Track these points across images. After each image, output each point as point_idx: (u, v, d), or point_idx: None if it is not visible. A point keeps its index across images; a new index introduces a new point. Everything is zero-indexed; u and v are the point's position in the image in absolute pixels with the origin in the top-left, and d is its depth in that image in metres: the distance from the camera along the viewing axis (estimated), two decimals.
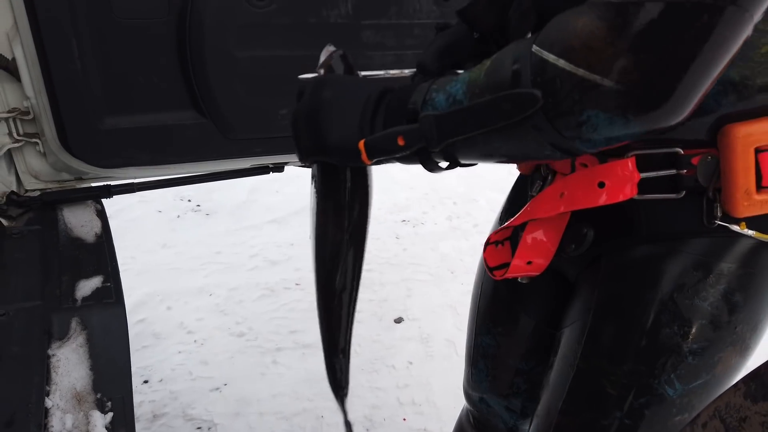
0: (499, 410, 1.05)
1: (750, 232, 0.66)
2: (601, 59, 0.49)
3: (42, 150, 1.32)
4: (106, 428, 0.82)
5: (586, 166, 0.72)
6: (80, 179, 1.41)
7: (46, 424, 0.79)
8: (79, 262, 1.13)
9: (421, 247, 2.92)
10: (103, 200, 1.39)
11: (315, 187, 0.76)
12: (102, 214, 1.31)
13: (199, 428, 1.85)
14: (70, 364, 0.89)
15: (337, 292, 0.77)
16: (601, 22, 0.49)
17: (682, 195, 0.68)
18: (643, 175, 0.67)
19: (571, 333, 0.79)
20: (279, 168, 1.59)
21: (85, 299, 1.02)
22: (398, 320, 2.40)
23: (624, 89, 0.49)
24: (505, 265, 0.83)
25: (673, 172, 0.67)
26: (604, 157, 0.69)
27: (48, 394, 0.83)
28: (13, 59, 1.22)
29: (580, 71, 0.49)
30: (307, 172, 0.84)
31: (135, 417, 0.87)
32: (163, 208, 3.16)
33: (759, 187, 0.63)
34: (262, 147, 1.46)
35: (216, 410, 1.92)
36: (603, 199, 0.68)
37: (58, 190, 1.35)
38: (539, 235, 0.79)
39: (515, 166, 0.91)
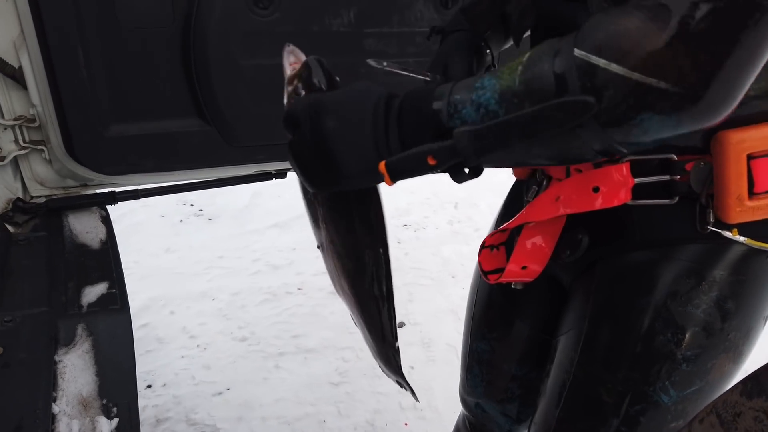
0: (494, 415, 1.06)
1: (742, 239, 0.66)
2: (658, 62, 0.48)
3: (47, 157, 1.34)
4: None
5: (580, 171, 0.72)
6: (85, 186, 1.42)
7: (53, 430, 0.80)
8: (85, 268, 1.14)
9: (422, 251, 2.93)
10: (107, 206, 1.40)
11: (317, 203, 0.73)
12: (107, 221, 1.33)
13: None
14: (76, 370, 0.90)
15: (375, 297, 0.77)
16: (655, 24, 0.48)
17: (675, 201, 0.68)
18: (638, 180, 0.68)
19: (567, 341, 0.80)
20: (282, 174, 1.60)
21: (90, 305, 1.03)
22: (400, 325, 2.41)
23: (681, 91, 0.48)
24: (500, 270, 0.83)
25: (666, 177, 0.67)
26: (598, 162, 0.70)
27: (55, 400, 0.84)
28: (20, 67, 1.24)
29: (635, 75, 0.49)
30: None
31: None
32: (166, 212, 3.17)
33: (751, 193, 0.64)
34: (265, 154, 1.47)
35: (219, 415, 1.92)
36: (599, 203, 0.68)
37: (63, 197, 1.36)
38: (535, 240, 0.80)
39: (511, 171, 0.92)
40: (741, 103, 0.63)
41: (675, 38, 0.47)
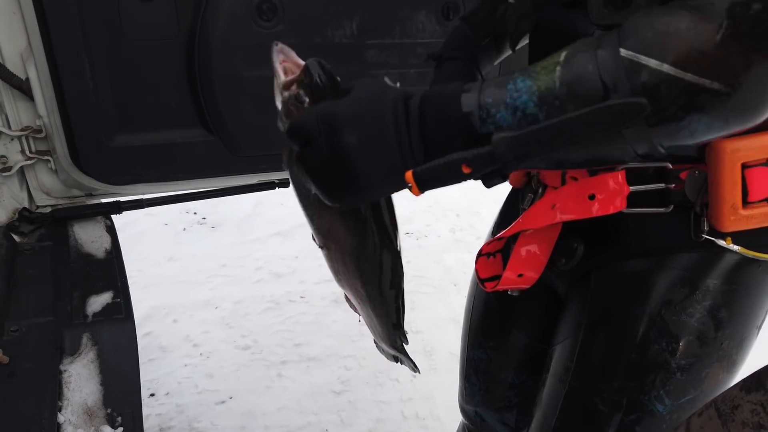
0: (493, 424, 1.06)
1: (735, 248, 0.67)
2: (711, 62, 0.47)
3: (53, 167, 1.35)
4: None
5: (576, 179, 0.73)
6: (90, 195, 1.43)
7: None
8: (90, 277, 1.15)
9: (424, 259, 2.94)
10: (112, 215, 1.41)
11: (328, 209, 0.69)
12: (111, 230, 1.34)
13: None
14: (81, 380, 0.91)
15: (390, 294, 0.77)
16: (706, 23, 0.47)
17: (670, 209, 0.69)
18: (633, 188, 0.68)
19: (563, 350, 0.80)
20: (284, 183, 1.61)
21: (95, 315, 1.04)
22: None
23: (732, 92, 0.48)
24: (496, 278, 0.84)
25: (661, 186, 0.68)
26: (594, 170, 0.70)
27: (60, 410, 0.85)
28: (27, 79, 1.25)
29: (688, 76, 0.48)
30: None
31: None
32: (169, 221, 3.19)
33: (745, 202, 0.64)
34: (268, 163, 1.48)
35: (222, 423, 1.93)
36: (595, 210, 0.69)
37: (69, 207, 1.38)
38: (531, 248, 0.80)
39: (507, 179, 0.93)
40: None
41: (728, 38, 0.47)
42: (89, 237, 1.29)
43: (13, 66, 1.26)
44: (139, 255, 2.79)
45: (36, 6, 1.17)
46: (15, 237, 1.25)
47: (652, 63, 0.49)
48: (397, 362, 1.00)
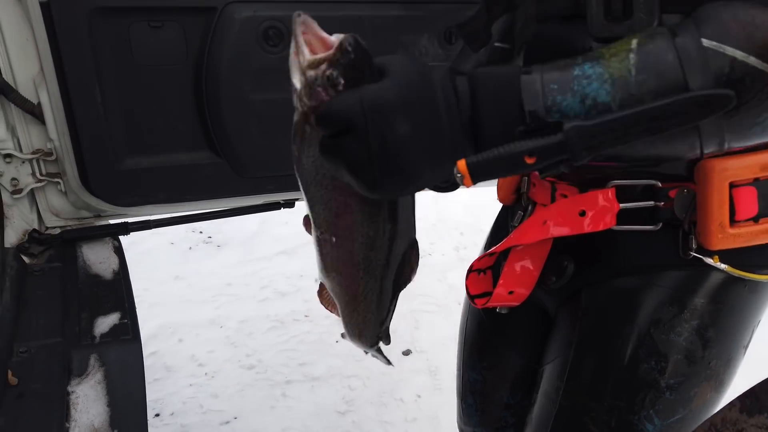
0: None
1: (723, 266, 0.67)
2: None
3: (63, 189, 1.38)
4: None
5: (566, 196, 0.74)
6: (98, 216, 1.46)
7: None
8: (98, 298, 1.17)
9: (428, 277, 2.94)
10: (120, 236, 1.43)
11: (347, 195, 0.62)
12: (119, 251, 1.36)
13: None
14: (88, 401, 0.92)
15: (388, 288, 0.71)
16: None
17: (659, 227, 0.69)
18: (623, 205, 0.69)
19: (553, 369, 0.80)
20: (290, 204, 1.63)
21: (103, 336, 1.05)
22: (406, 352, 2.41)
23: None
24: (486, 294, 0.84)
25: (651, 203, 0.69)
26: (584, 187, 0.72)
27: (67, 431, 0.86)
28: (39, 103, 1.28)
29: None
30: None
31: None
32: (175, 239, 3.21)
33: (732, 221, 0.65)
34: (274, 184, 1.50)
35: None
36: (586, 226, 0.69)
37: (77, 228, 1.40)
38: (523, 263, 0.80)
39: (496, 196, 0.94)
40: None
41: None
42: (97, 258, 1.31)
43: (26, 91, 1.29)
44: (145, 274, 2.81)
45: (49, 33, 1.21)
46: (25, 258, 1.27)
47: (738, 54, 0.48)
48: (366, 354, 0.92)
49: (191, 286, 2.81)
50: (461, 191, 1.00)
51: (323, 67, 0.55)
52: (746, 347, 0.76)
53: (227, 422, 2.01)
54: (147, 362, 2.23)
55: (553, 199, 0.76)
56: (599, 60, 0.52)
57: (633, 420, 0.72)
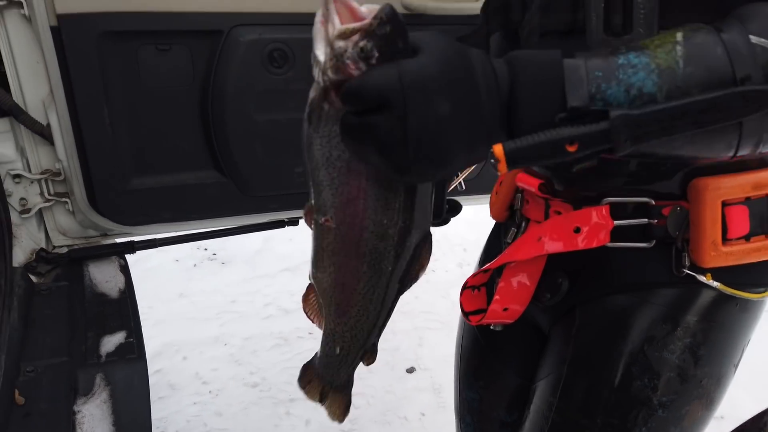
0: None
1: (715, 284, 0.68)
2: None
3: (71, 208, 1.40)
4: None
5: (560, 213, 0.74)
6: (105, 235, 1.47)
7: None
8: (104, 317, 1.18)
9: (432, 294, 2.94)
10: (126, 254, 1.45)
11: (363, 179, 0.58)
12: (125, 270, 1.37)
13: None
14: (94, 420, 0.93)
15: (393, 286, 0.65)
16: None
17: (652, 244, 0.70)
18: (617, 222, 0.69)
19: (546, 385, 0.80)
20: (294, 222, 1.64)
21: (109, 355, 1.06)
22: (410, 370, 2.40)
23: None
24: (481, 311, 0.83)
25: (644, 221, 0.69)
26: (578, 204, 0.72)
27: None
28: (48, 125, 1.31)
29: None
30: None
31: None
32: (180, 257, 3.22)
33: (724, 239, 0.66)
34: (278, 203, 1.52)
35: None
36: (580, 243, 0.70)
37: (84, 247, 1.41)
38: (516, 280, 0.80)
39: (489, 213, 0.93)
40: None
41: None
42: (104, 277, 1.33)
43: (35, 112, 1.32)
44: (150, 291, 2.82)
45: (59, 55, 1.23)
46: (32, 277, 1.28)
47: None
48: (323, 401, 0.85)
49: (195, 304, 2.82)
50: (465, 209, 1.01)
51: (356, 38, 0.51)
52: (736, 366, 0.76)
53: None
54: (151, 380, 2.22)
55: (546, 216, 0.77)
56: (644, 50, 0.51)
57: None
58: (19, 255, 1.33)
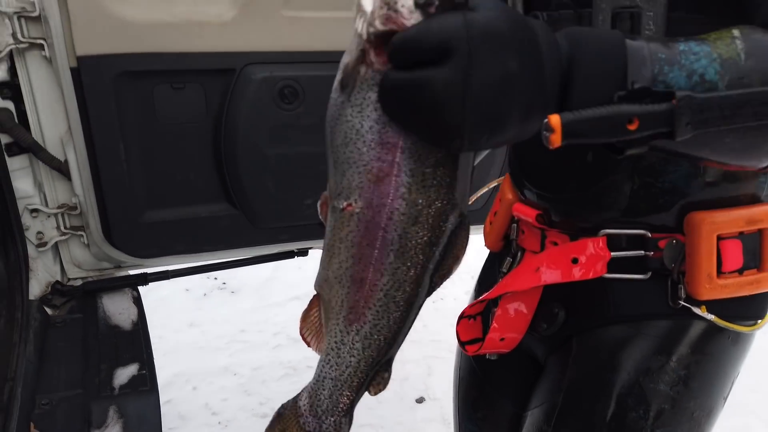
0: None
1: (710, 317, 0.69)
2: None
3: (86, 241, 1.43)
4: None
5: (556, 244, 0.75)
6: (118, 267, 1.50)
7: None
8: (117, 349, 1.20)
9: (441, 323, 2.93)
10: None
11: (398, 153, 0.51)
12: (138, 301, 1.40)
13: None
14: None
15: (426, 276, 0.57)
16: None
17: (648, 276, 0.71)
18: (614, 254, 0.70)
19: (540, 413, 0.80)
20: (303, 252, 1.67)
21: (122, 387, 1.08)
22: (420, 400, 2.39)
23: None
24: (477, 340, 0.83)
25: (641, 253, 0.70)
26: (575, 235, 0.73)
27: None
28: (66, 161, 1.35)
29: None
30: None
31: None
32: (190, 286, 3.25)
33: (719, 272, 0.67)
34: (288, 234, 1.55)
35: None
36: (578, 274, 0.70)
37: (99, 279, 1.44)
38: (513, 307, 0.80)
39: (484, 243, 0.94)
40: (712, 183, 0.68)
41: None
42: (117, 309, 1.35)
43: (54, 149, 1.36)
44: (160, 321, 2.83)
45: (77, 95, 1.28)
46: (47, 310, 1.31)
47: None
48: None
49: (205, 333, 2.83)
50: (472, 237, 1.02)
51: None
52: (726, 399, 0.77)
53: None
54: (162, 411, 2.23)
55: (543, 247, 0.78)
56: (704, 41, 0.51)
57: None
58: (35, 288, 1.36)
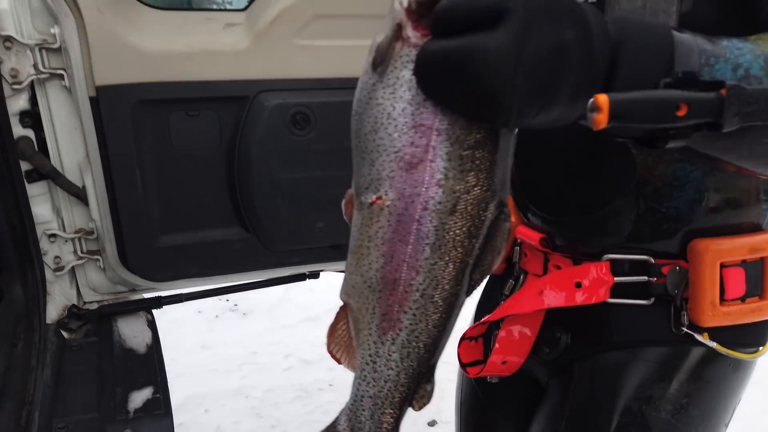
0: None
1: (712, 344, 0.69)
2: None
3: (102, 266, 1.45)
4: None
5: (559, 267, 0.75)
6: (133, 291, 1.52)
7: None
8: (132, 373, 1.21)
9: (453, 344, 2.91)
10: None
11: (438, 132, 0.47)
12: (152, 325, 1.41)
13: None
14: None
15: (467, 271, 0.52)
16: None
17: (651, 302, 0.71)
18: (617, 279, 0.71)
19: None
20: (315, 275, 1.68)
21: (136, 411, 1.09)
22: (432, 423, 2.37)
23: None
24: (478, 363, 0.83)
25: (644, 278, 0.71)
26: (578, 260, 0.74)
27: None
28: (83, 187, 1.38)
29: None
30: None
31: None
32: (202, 308, 3.27)
33: (722, 299, 0.68)
34: (300, 257, 1.56)
35: None
36: (581, 299, 0.71)
37: (114, 303, 1.46)
38: (517, 330, 0.80)
39: None
40: (715, 210, 0.68)
41: None
42: (132, 332, 1.37)
43: (72, 175, 1.40)
44: (173, 343, 2.85)
45: (96, 123, 1.31)
46: (64, 333, 1.33)
47: None
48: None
49: (217, 356, 2.84)
50: None
51: None
52: (727, 425, 0.76)
53: None
54: None
55: (545, 270, 0.78)
56: (745, 39, 0.51)
57: None
58: (52, 312, 1.39)
